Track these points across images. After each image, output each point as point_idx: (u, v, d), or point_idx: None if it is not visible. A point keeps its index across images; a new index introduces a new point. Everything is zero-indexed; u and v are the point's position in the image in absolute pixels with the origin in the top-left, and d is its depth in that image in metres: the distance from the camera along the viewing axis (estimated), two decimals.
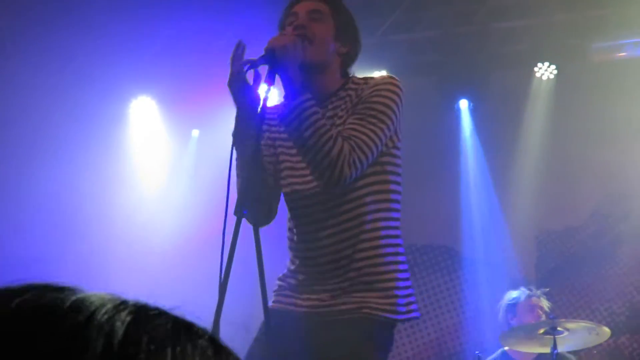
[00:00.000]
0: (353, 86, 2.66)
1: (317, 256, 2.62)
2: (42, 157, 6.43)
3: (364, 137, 2.49)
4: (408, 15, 6.46)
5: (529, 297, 5.03)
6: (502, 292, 5.27)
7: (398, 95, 2.59)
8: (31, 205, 6.42)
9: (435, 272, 6.87)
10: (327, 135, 2.43)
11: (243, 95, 2.48)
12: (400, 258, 2.63)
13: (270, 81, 2.45)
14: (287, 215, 2.74)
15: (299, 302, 2.64)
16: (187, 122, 7.03)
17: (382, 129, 2.53)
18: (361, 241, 2.58)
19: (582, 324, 4.82)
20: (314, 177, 2.53)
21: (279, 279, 2.75)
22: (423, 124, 6.82)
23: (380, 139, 2.53)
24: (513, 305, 5.05)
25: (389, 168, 2.65)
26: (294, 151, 2.63)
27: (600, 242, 6.56)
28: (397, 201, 2.67)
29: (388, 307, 2.55)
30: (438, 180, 6.82)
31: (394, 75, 2.73)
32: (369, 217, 2.60)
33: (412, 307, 2.62)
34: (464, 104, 6.77)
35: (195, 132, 7.19)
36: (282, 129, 2.63)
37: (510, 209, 6.64)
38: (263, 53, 2.46)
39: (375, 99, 2.56)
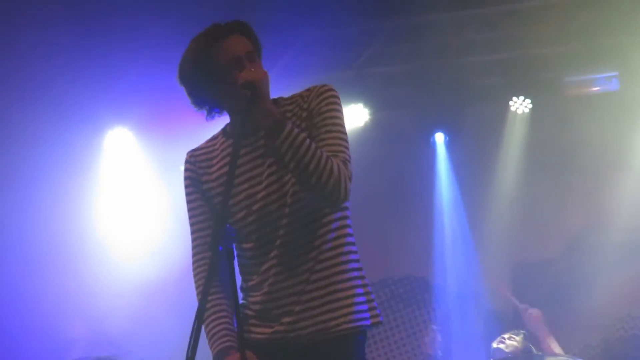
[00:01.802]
0: (288, 102, 2.66)
1: (284, 280, 2.56)
2: (12, 191, 6.28)
3: (346, 150, 2.54)
4: (384, 48, 6.50)
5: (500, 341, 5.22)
6: (477, 326, 5.29)
7: (340, 101, 2.64)
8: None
9: (412, 305, 6.85)
10: (324, 156, 2.45)
11: None
12: (360, 264, 2.63)
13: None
14: (241, 244, 2.64)
15: (277, 328, 2.56)
16: (173, 153, 6.68)
17: (347, 136, 2.59)
18: (325, 253, 2.56)
19: (560, 358, 4.83)
20: (321, 199, 2.49)
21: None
22: (398, 157, 6.84)
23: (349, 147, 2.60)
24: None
25: None
26: (257, 180, 2.59)
27: (576, 274, 6.58)
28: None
29: (365, 316, 2.58)
30: (414, 213, 6.83)
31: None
32: (343, 237, 2.60)
33: (377, 311, 2.64)
34: (440, 138, 6.78)
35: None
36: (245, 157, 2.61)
37: (486, 241, 6.65)
38: (240, 87, 2.44)
39: (329, 106, 2.58)
